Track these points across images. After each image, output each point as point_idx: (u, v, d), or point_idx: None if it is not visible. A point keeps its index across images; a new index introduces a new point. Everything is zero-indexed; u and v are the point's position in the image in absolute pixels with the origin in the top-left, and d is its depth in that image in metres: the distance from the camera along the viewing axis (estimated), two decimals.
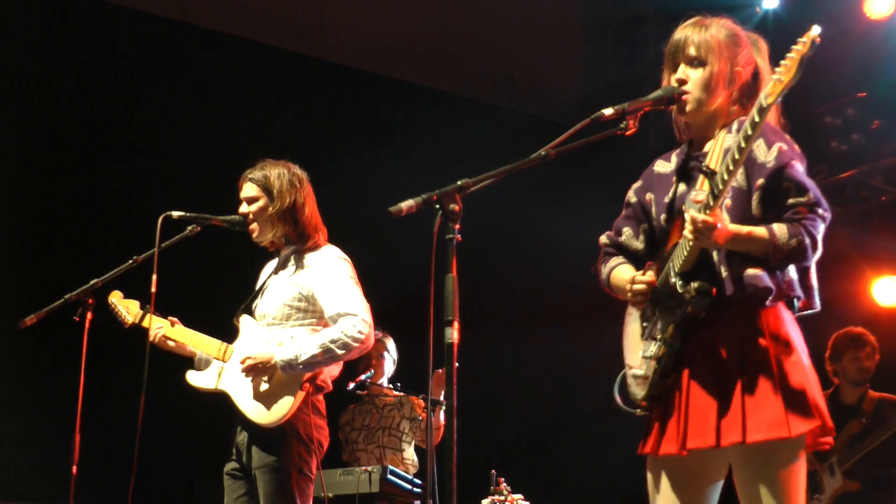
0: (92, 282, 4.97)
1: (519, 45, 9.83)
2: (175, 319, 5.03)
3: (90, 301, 4.96)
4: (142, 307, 5.00)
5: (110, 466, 4.95)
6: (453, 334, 3.23)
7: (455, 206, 3.30)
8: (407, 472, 6.35)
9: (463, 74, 10.01)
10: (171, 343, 4.96)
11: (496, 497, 5.88)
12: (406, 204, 3.32)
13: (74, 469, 4.83)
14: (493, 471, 5.98)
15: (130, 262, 5.01)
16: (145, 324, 5.01)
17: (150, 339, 4.94)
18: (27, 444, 7.55)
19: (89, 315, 4.95)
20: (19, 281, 7.76)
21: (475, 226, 3.58)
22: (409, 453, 6.71)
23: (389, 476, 6.02)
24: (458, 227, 3.30)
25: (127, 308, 5.04)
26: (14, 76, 8.06)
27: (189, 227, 4.98)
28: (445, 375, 3.25)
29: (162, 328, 4.95)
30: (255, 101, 8.89)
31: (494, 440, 6.24)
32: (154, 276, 4.75)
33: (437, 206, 3.31)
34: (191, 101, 8.63)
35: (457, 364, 3.24)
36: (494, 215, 6.48)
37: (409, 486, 6.14)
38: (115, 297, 5.09)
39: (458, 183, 3.35)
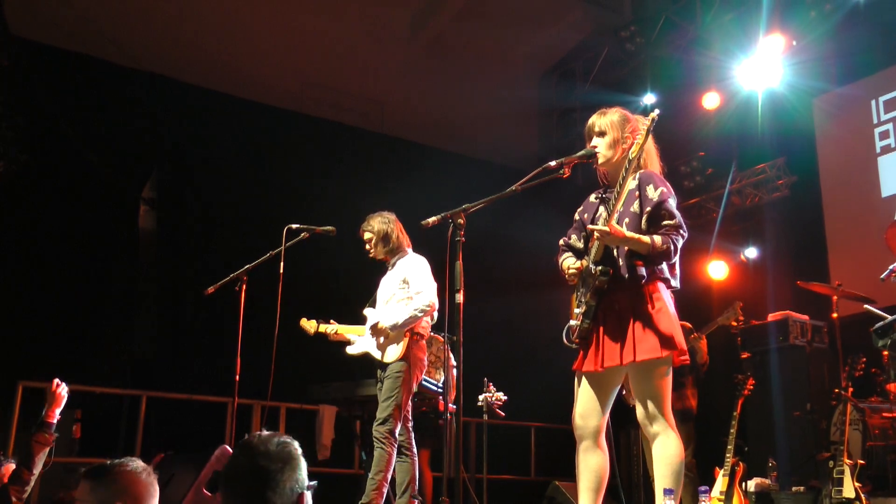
0: (245, 267, 4.94)
1: (501, 122, 9.85)
2: (334, 323, 5.20)
3: (244, 278, 4.91)
4: (317, 321, 5.17)
5: (257, 374, 4.96)
6: (460, 297, 3.32)
7: (461, 220, 3.40)
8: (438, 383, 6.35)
9: (467, 141, 10.05)
10: (338, 336, 5.17)
11: (487, 394, 5.88)
12: (432, 219, 3.43)
13: (237, 377, 4.84)
14: (486, 378, 6.00)
15: (267, 255, 4.95)
16: (321, 329, 5.22)
17: (327, 335, 5.19)
18: (211, 361, 7.65)
19: (244, 286, 4.89)
20: (201, 269, 7.86)
21: (474, 233, 3.62)
22: (439, 375, 6.70)
23: (423, 382, 6.01)
24: (462, 233, 3.38)
25: (309, 325, 5.22)
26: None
27: (302, 234, 4.94)
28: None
29: (335, 329, 5.18)
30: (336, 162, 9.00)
31: (487, 361, 6.25)
32: (282, 263, 4.74)
33: (450, 220, 3.40)
34: (282, 169, 8.75)
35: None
36: (487, 226, 6.50)
37: (435, 388, 6.14)
38: (303, 321, 5.24)
39: (462, 206, 3.43)
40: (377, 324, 4.91)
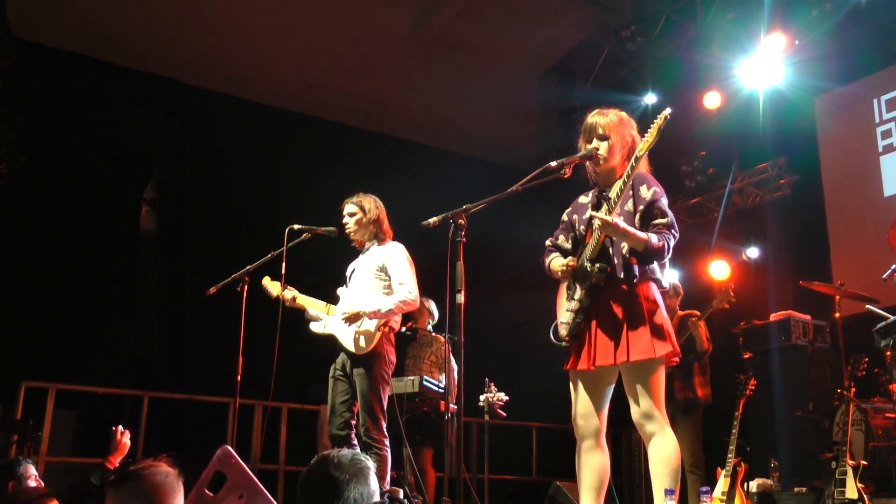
0: (247, 267, 4.89)
1: (501, 122, 9.84)
2: (294, 289, 4.92)
3: (246, 279, 4.87)
4: (281, 286, 4.91)
5: (259, 374, 4.92)
6: (461, 298, 3.30)
7: (462, 221, 3.37)
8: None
9: (467, 141, 10.03)
10: (296, 304, 4.87)
11: (488, 394, 5.85)
12: (433, 219, 3.40)
13: (239, 377, 4.79)
14: (487, 378, 5.96)
15: (269, 255, 4.91)
16: (280, 293, 4.92)
17: (284, 301, 4.86)
18: (212, 361, 7.62)
19: (245, 287, 4.87)
20: (201, 269, 7.84)
21: (474, 233, 3.59)
22: (440, 375, 6.65)
23: (424, 382, 5.96)
24: (463, 233, 3.35)
25: (273, 286, 4.95)
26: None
27: (303, 234, 4.88)
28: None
29: (293, 295, 4.89)
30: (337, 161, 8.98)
31: (488, 361, 6.21)
32: (283, 263, 4.74)
33: (451, 220, 3.37)
34: (284, 169, 8.74)
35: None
36: (488, 226, 6.46)
37: (436, 388, 6.10)
38: (266, 280, 5.01)
39: (463, 206, 3.41)
40: (358, 311, 4.66)
